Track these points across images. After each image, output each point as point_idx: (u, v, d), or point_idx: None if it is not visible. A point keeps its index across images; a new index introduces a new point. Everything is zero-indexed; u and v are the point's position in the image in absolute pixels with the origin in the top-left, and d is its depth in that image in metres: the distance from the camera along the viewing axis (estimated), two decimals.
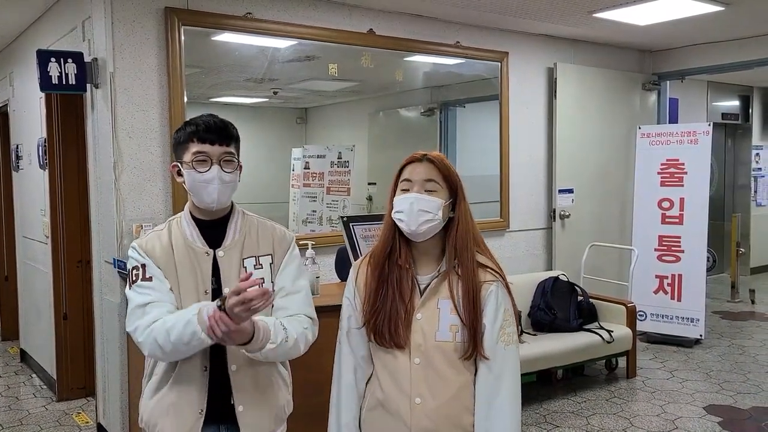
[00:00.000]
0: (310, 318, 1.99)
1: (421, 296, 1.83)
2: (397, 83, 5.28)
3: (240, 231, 1.98)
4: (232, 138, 1.94)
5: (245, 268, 1.93)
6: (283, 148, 6.17)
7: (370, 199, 5.55)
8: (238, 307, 1.66)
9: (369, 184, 5.68)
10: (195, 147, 1.88)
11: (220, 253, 1.93)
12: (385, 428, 1.84)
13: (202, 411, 1.88)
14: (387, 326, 1.81)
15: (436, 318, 1.80)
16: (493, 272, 1.84)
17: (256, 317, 1.78)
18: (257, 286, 1.69)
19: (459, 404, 1.80)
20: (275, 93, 5.42)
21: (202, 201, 1.91)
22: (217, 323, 1.69)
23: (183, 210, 2.01)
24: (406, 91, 5.63)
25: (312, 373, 2.49)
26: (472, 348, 1.79)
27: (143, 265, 1.89)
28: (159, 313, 1.83)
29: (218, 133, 1.90)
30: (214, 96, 4.96)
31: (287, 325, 1.88)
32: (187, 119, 1.97)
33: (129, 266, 1.93)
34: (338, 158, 5.58)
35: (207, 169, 1.88)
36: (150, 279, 1.88)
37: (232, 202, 2.00)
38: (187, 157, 1.90)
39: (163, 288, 1.88)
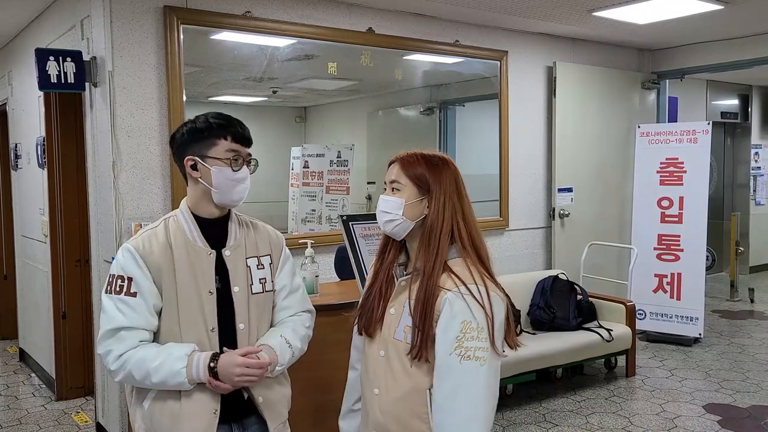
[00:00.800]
0: (310, 312, 2.10)
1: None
2: (396, 82, 5.27)
3: (240, 231, 1.98)
4: (251, 140, 1.97)
5: (249, 267, 1.95)
6: (283, 147, 6.15)
7: (369, 198, 5.54)
8: (241, 376, 1.81)
9: (368, 183, 5.67)
10: (228, 144, 1.87)
11: (226, 252, 1.93)
12: (364, 412, 1.92)
13: (216, 411, 1.86)
14: (365, 315, 1.88)
15: (400, 316, 1.81)
16: (457, 280, 1.71)
17: (264, 343, 1.91)
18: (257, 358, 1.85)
19: (408, 408, 1.76)
20: (274, 92, 5.41)
21: (229, 199, 1.90)
22: (218, 389, 1.83)
23: (179, 207, 1.97)
24: (406, 90, 5.62)
25: (314, 371, 2.48)
26: (418, 350, 1.72)
27: (130, 279, 1.82)
28: (132, 343, 1.80)
29: (246, 133, 1.92)
30: (213, 95, 4.94)
31: (291, 340, 1.96)
32: (197, 114, 1.93)
33: (115, 270, 1.85)
34: (337, 157, 5.57)
35: (240, 168, 1.89)
36: (134, 294, 1.81)
37: None
38: (217, 152, 1.86)
39: (145, 307, 1.82)
